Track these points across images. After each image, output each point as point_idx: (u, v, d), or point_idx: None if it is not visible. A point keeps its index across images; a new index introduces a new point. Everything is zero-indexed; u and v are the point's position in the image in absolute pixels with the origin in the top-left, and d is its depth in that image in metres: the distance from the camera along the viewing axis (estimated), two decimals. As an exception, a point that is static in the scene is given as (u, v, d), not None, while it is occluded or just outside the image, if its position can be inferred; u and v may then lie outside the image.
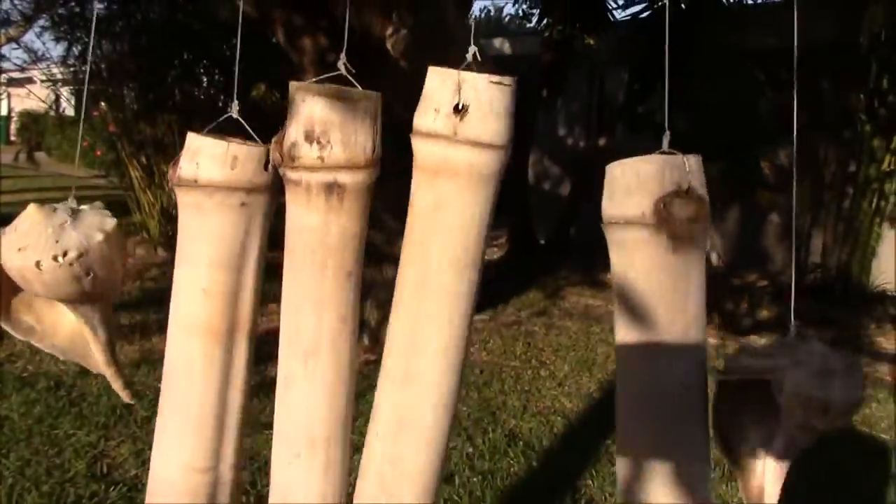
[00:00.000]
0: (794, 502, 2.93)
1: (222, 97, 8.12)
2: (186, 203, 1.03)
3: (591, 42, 7.41)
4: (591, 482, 2.98)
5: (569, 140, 9.20)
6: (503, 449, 3.23)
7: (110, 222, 1.10)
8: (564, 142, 9.17)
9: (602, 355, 4.63)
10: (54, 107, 11.30)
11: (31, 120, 18.37)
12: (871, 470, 3.34)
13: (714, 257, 7.90)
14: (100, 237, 1.07)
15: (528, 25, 7.44)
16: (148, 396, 3.42)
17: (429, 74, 0.65)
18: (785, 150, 6.70)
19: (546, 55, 7.60)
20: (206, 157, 1.00)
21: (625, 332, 0.56)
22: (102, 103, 7.84)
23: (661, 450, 0.52)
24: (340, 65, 0.55)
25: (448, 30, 3.38)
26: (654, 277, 0.53)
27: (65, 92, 10.37)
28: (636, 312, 0.52)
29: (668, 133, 0.54)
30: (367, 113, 0.92)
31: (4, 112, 23.96)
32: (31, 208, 1.07)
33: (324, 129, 0.90)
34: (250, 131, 1.07)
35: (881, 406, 4.04)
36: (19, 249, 1.04)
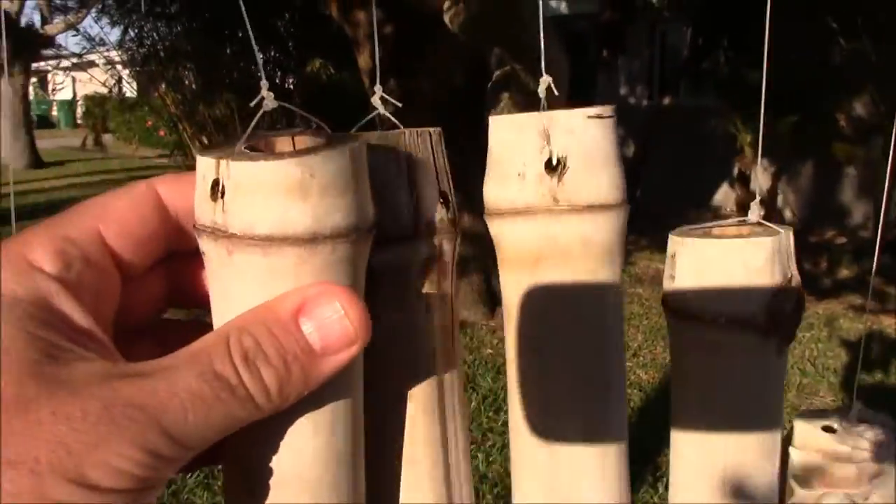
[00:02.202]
0: None
1: (279, 73, 8.10)
2: None
3: (653, -3, 7.19)
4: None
5: (631, 100, 8.96)
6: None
7: None
8: (626, 102, 8.94)
9: (675, 323, 4.50)
10: (116, 90, 11.45)
11: (95, 104, 18.65)
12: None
13: (787, 214, 7.64)
14: None
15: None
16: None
17: (494, 125, 0.39)
18: (861, 99, 6.40)
19: (605, 13, 7.40)
20: None
21: (695, 425, 0.47)
22: (163, 85, 7.90)
23: None
24: (376, 99, 0.34)
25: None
26: (754, 383, 0.42)
27: (125, 74, 10.48)
28: (719, 414, 0.43)
29: (756, 199, 0.42)
30: None
31: (69, 96, 24.51)
32: None
33: None
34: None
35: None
36: None
